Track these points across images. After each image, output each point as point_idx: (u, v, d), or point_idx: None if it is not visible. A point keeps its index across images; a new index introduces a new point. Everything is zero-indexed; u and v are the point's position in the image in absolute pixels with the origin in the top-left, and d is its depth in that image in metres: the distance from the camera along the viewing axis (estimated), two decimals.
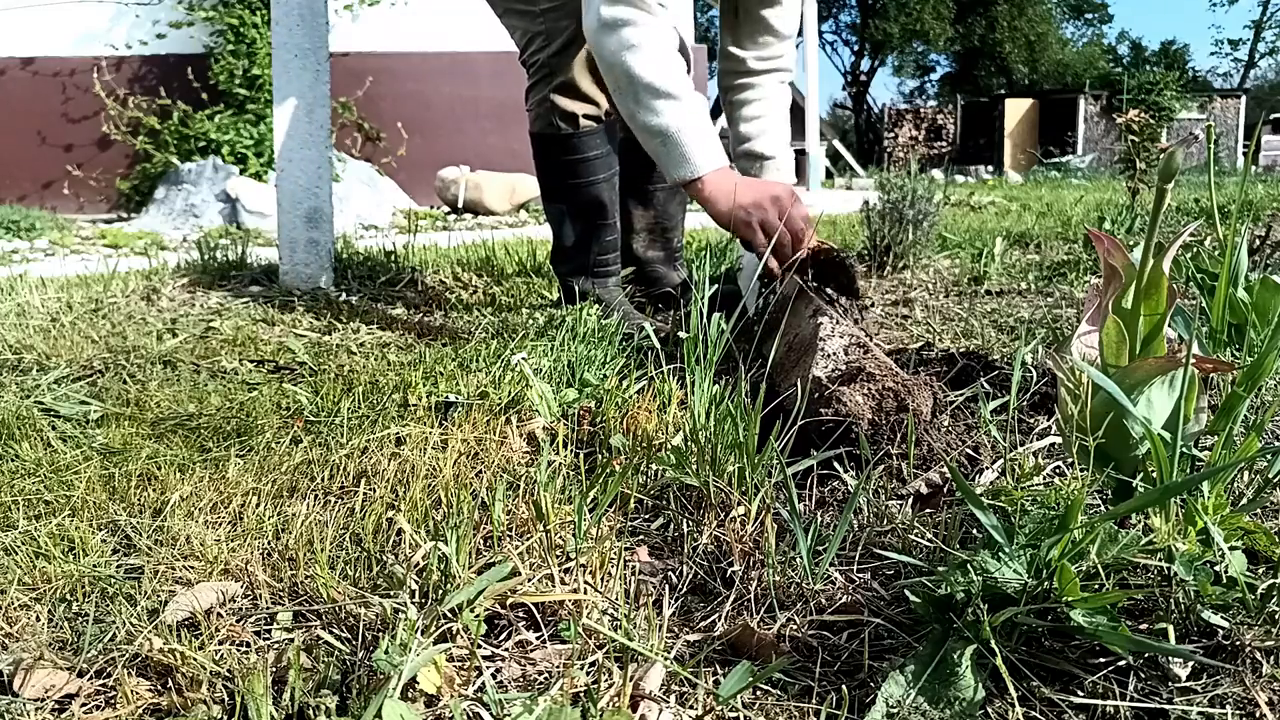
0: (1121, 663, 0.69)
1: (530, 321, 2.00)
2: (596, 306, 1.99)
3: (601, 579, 0.84)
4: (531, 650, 0.76)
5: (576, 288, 2.14)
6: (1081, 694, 0.66)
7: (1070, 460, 1.04)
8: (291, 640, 0.75)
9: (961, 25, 27.78)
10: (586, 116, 2.02)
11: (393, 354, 1.75)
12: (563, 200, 2.10)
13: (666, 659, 0.72)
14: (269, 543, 0.93)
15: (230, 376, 1.61)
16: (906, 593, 0.76)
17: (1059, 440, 1.13)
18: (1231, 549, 0.72)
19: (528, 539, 0.91)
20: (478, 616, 0.74)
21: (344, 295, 2.47)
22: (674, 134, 1.65)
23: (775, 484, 1.02)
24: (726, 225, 1.68)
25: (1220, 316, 1.25)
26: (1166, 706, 0.64)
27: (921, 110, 21.08)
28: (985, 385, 1.33)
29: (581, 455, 1.16)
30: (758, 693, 0.69)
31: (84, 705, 0.69)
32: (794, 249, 1.66)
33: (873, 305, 2.31)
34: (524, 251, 3.21)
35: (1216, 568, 0.72)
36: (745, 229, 1.65)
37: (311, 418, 1.32)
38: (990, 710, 0.66)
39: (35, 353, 1.75)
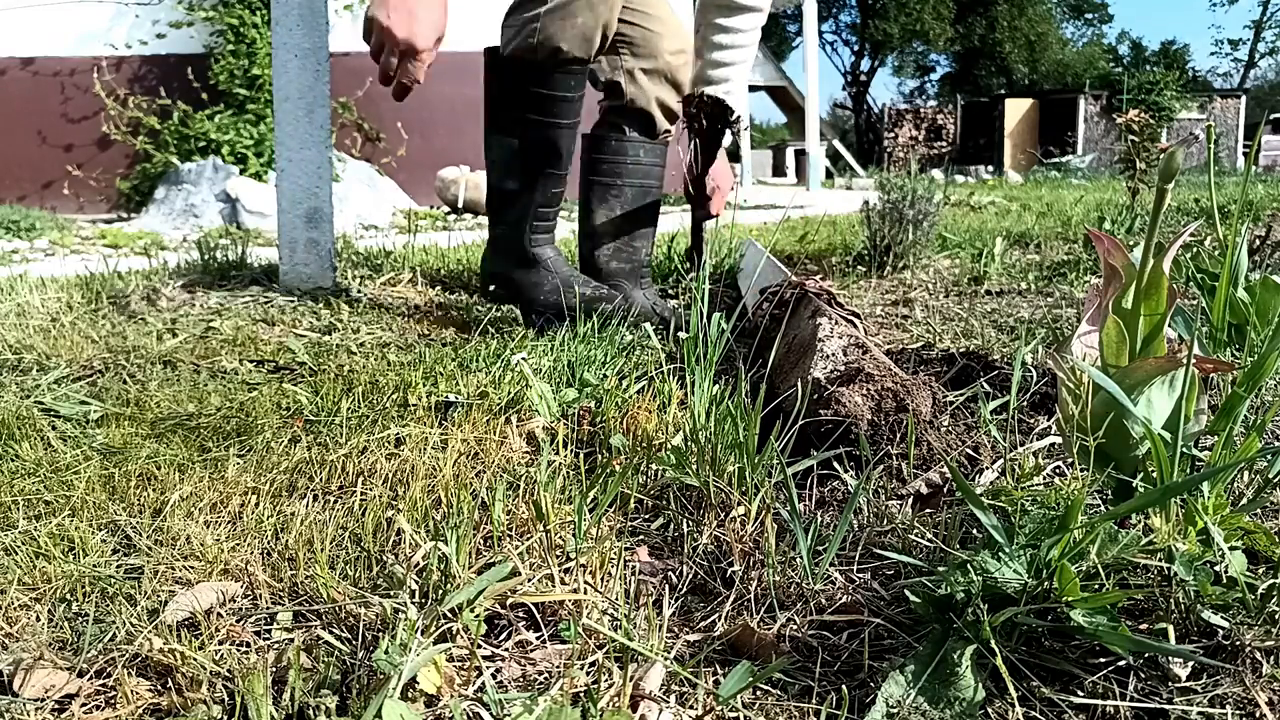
0: (1121, 663, 0.69)
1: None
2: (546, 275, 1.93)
3: (601, 579, 0.84)
4: (531, 650, 0.76)
5: (517, 241, 1.97)
6: (1081, 694, 0.66)
7: (1070, 460, 1.04)
8: (291, 640, 0.75)
9: (961, 25, 27.78)
10: (574, 58, 1.86)
11: (393, 354, 1.75)
12: (515, 134, 1.91)
13: (666, 659, 0.72)
14: (269, 543, 0.93)
15: (230, 376, 1.61)
16: (906, 593, 0.76)
17: (1059, 440, 1.13)
18: (1231, 549, 0.72)
19: (528, 539, 0.91)
20: (478, 616, 0.74)
21: (344, 295, 2.47)
22: None
23: (775, 484, 1.02)
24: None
25: (1220, 316, 1.25)
26: (1166, 706, 0.64)
27: (921, 110, 21.08)
28: (985, 385, 1.33)
29: (581, 455, 1.16)
30: (758, 693, 0.69)
31: (84, 705, 0.69)
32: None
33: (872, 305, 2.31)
34: None
35: (1216, 568, 0.72)
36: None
37: (311, 417, 1.32)
38: (990, 710, 0.66)
39: (35, 353, 1.75)
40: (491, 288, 2.03)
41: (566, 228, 5.28)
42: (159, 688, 0.70)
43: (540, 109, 1.88)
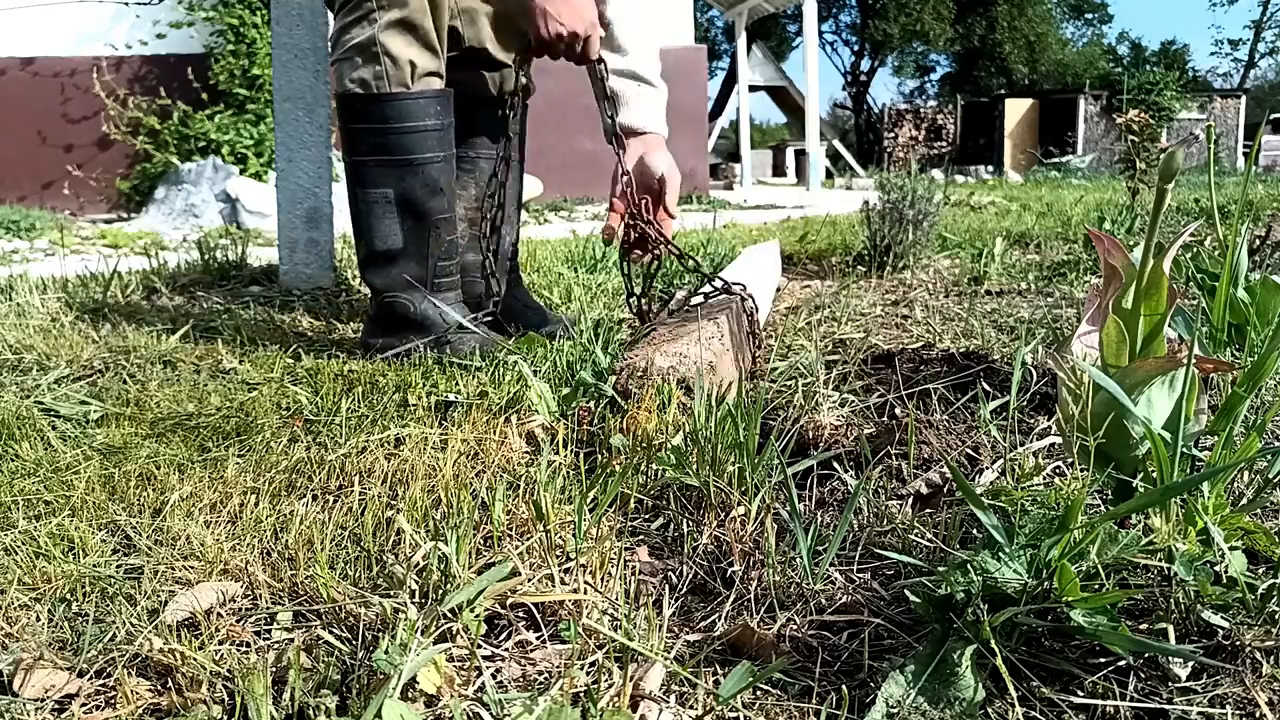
0: (1121, 663, 0.68)
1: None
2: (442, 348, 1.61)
3: (601, 579, 0.84)
4: (531, 650, 0.76)
5: (413, 309, 1.65)
6: (1081, 694, 0.66)
7: (1070, 460, 1.04)
8: (291, 640, 0.75)
9: (961, 25, 27.76)
10: (429, 73, 1.59)
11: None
12: (385, 183, 1.61)
13: (666, 659, 0.72)
14: (269, 542, 0.93)
15: (230, 376, 1.61)
16: (906, 593, 0.76)
17: (1059, 440, 1.13)
18: (1231, 549, 0.72)
19: (528, 539, 0.91)
20: (478, 616, 0.74)
21: (344, 295, 2.47)
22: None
23: (775, 484, 1.02)
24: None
25: (1221, 316, 1.25)
26: (1166, 706, 0.64)
27: (921, 110, 21.07)
28: (985, 385, 1.33)
29: (581, 455, 1.16)
30: (758, 693, 0.69)
31: (84, 705, 0.69)
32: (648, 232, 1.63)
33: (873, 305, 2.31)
34: (523, 252, 3.21)
35: (1216, 568, 0.72)
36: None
37: (311, 417, 1.32)
38: (990, 710, 0.66)
39: (35, 353, 1.75)
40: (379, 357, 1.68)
41: (566, 228, 5.28)
42: (159, 688, 0.70)
43: (408, 146, 1.60)
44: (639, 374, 1.28)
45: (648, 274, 1.69)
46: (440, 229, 1.66)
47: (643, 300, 1.69)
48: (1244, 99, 19.60)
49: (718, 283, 1.64)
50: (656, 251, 1.66)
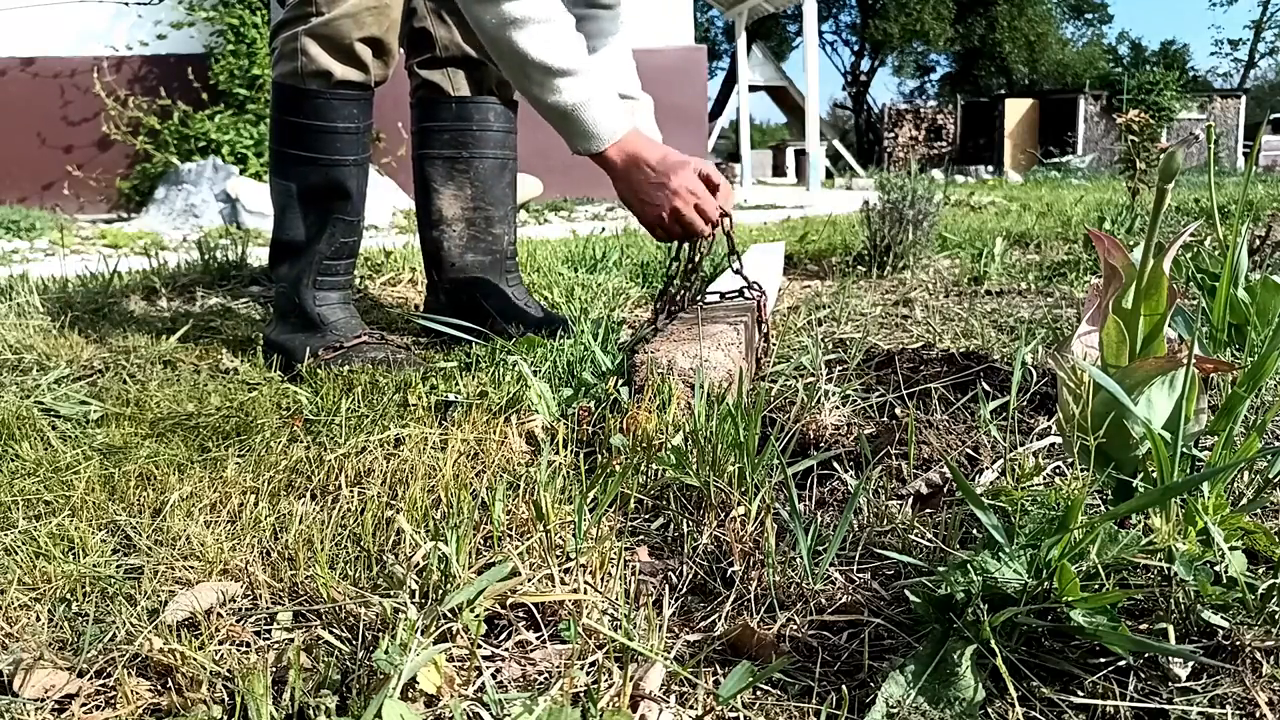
0: (1121, 663, 0.68)
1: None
2: (336, 360, 1.61)
3: (601, 579, 0.84)
4: (531, 650, 0.76)
5: (297, 302, 1.70)
6: (1081, 694, 0.66)
7: (1070, 460, 1.04)
8: (291, 640, 0.75)
9: (961, 25, 27.77)
10: (345, 83, 1.63)
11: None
12: (291, 176, 1.67)
13: (666, 659, 0.72)
14: (268, 542, 0.93)
15: (230, 376, 1.61)
16: (906, 593, 0.76)
17: (1059, 440, 1.13)
18: (1231, 549, 0.72)
19: (528, 539, 0.91)
20: (478, 616, 0.74)
21: None
22: (574, 110, 1.48)
23: (775, 484, 1.02)
24: (633, 205, 1.54)
25: (1221, 316, 1.25)
26: (1166, 706, 0.64)
27: (921, 110, 21.06)
28: (985, 385, 1.33)
29: (581, 455, 1.16)
30: (758, 693, 0.69)
31: (84, 705, 0.69)
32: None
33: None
34: (522, 252, 3.21)
35: (1216, 568, 0.72)
36: (669, 215, 1.52)
37: (311, 417, 1.32)
38: (990, 710, 0.66)
39: (35, 353, 1.75)
40: (274, 357, 1.70)
41: (566, 228, 5.28)
42: (159, 688, 0.70)
43: (316, 145, 1.64)
44: (660, 371, 1.28)
45: (689, 260, 1.68)
46: (336, 228, 1.69)
47: (678, 290, 1.68)
48: (1244, 99, 19.60)
49: (740, 281, 1.66)
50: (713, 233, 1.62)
